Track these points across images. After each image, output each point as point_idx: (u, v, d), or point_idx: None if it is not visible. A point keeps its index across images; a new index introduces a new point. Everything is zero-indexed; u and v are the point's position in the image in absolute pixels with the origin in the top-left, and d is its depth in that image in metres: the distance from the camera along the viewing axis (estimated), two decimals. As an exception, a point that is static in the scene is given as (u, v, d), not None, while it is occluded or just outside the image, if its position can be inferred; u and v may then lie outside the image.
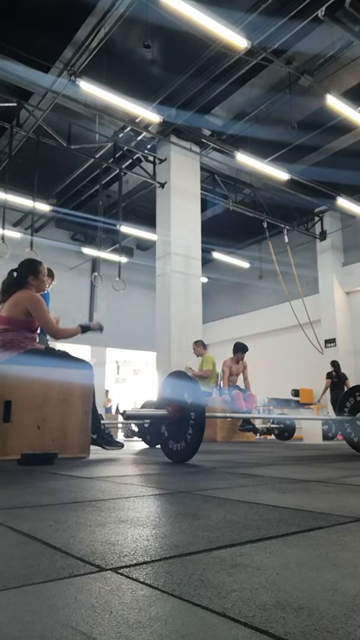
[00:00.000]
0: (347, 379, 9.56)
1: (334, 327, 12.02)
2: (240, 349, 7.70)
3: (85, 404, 3.29)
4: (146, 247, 14.84)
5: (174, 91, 7.83)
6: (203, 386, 6.75)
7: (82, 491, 1.52)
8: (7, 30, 6.85)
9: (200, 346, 7.73)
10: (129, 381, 20.94)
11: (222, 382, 7.77)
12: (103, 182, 9.68)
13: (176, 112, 8.25)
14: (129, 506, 1.22)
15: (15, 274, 3.49)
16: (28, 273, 3.47)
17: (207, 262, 12.70)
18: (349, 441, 3.67)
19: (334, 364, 9.77)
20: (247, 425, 7.31)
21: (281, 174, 9.11)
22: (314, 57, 7.28)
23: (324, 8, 6.03)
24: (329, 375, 9.66)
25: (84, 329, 3.44)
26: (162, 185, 9.10)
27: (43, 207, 10.71)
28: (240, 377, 7.89)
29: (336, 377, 9.58)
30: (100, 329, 3.57)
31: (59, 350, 3.44)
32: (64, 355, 3.37)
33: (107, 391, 15.26)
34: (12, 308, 3.33)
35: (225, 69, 7.29)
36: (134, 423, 6.55)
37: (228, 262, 13.91)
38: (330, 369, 9.72)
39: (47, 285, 3.64)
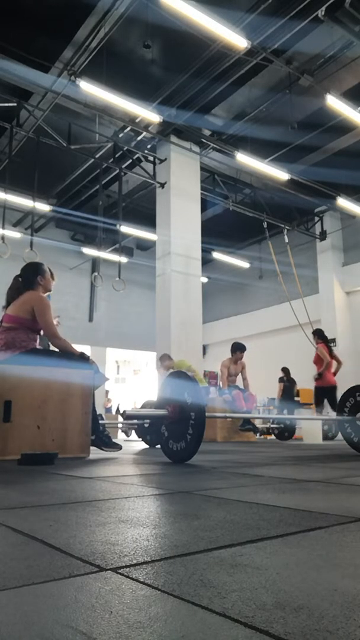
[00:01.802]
0: (295, 383, 10.39)
1: (334, 327, 12.01)
2: (238, 348, 7.68)
3: (85, 404, 3.29)
4: (146, 247, 14.84)
5: (174, 91, 7.83)
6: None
7: (82, 491, 1.52)
8: (7, 30, 6.85)
9: (166, 360, 7.39)
10: (129, 381, 20.94)
11: (221, 382, 7.76)
12: (103, 182, 9.67)
13: (176, 112, 8.25)
14: (129, 506, 1.22)
15: (20, 279, 3.55)
16: (35, 274, 3.56)
17: (207, 262, 12.69)
18: (349, 441, 3.66)
19: (285, 370, 10.53)
20: (247, 425, 7.31)
21: (281, 174, 9.11)
22: (314, 57, 7.28)
23: (324, 8, 6.02)
24: (281, 380, 10.46)
25: (83, 358, 3.42)
26: (162, 185, 9.10)
27: (43, 207, 10.71)
28: (240, 377, 7.89)
29: (287, 382, 10.41)
30: (95, 370, 3.50)
31: (81, 352, 3.45)
32: (81, 359, 3.38)
33: (107, 391, 15.25)
34: (19, 307, 3.38)
35: (225, 69, 7.29)
36: (131, 424, 6.57)
37: (228, 262, 13.90)
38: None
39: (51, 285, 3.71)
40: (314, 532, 0.92)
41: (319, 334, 8.36)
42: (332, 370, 8.14)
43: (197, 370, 7.62)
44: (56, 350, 3.51)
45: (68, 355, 3.38)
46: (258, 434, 8.22)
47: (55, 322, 3.87)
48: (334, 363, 8.25)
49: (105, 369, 15.02)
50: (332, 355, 8.30)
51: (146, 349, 13.93)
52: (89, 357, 3.46)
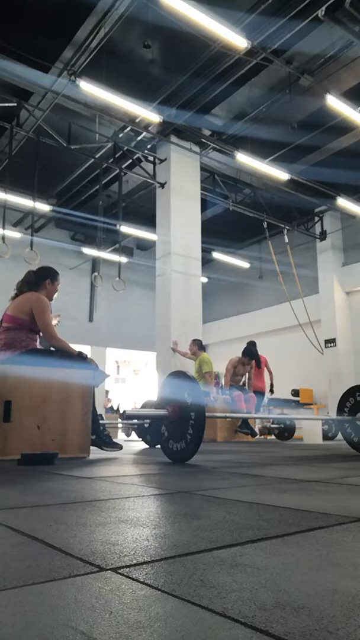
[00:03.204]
0: None
1: (334, 327, 12.01)
2: (248, 354, 7.66)
3: (85, 404, 3.29)
4: (146, 247, 14.83)
5: (174, 91, 7.82)
6: (202, 386, 6.77)
7: (82, 491, 1.52)
8: (7, 30, 6.85)
9: (196, 346, 7.66)
10: (129, 381, 20.94)
11: (223, 380, 7.76)
12: (103, 182, 9.67)
13: (176, 112, 8.25)
14: (129, 506, 1.22)
15: (33, 274, 3.58)
16: (47, 277, 3.62)
17: (207, 262, 12.69)
18: (349, 441, 3.67)
19: None
20: (244, 428, 7.30)
21: (281, 174, 9.11)
22: (314, 57, 7.28)
23: (324, 8, 6.02)
24: None
25: (81, 357, 3.42)
26: (162, 185, 9.10)
27: (43, 207, 10.70)
28: (244, 376, 7.86)
29: None
30: (94, 368, 3.48)
31: (79, 351, 3.46)
32: (79, 359, 3.38)
33: (107, 391, 15.25)
34: (18, 307, 3.38)
35: (225, 69, 7.28)
36: (131, 424, 6.60)
37: (228, 262, 13.89)
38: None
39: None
40: (314, 532, 0.92)
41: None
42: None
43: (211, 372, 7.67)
44: (80, 351, 3.52)
45: (67, 355, 3.38)
46: (258, 435, 8.22)
47: (55, 321, 3.88)
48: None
49: (105, 369, 14.99)
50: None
51: (146, 349, 13.92)
52: (87, 355, 3.47)
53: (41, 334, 3.46)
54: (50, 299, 3.64)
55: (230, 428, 7.46)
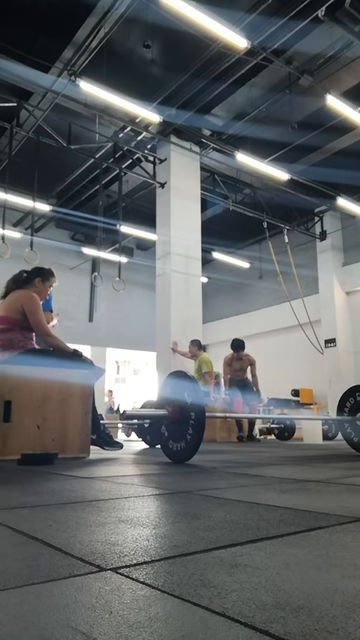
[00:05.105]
0: None
1: (334, 327, 12.01)
2: (235, 346, 7.56)
3: (86, 404, 3.29)
4: (146, 247, 14.83)
5: (174, 91, 7.82)
6: (202, 386, 6.77)
7: (82, 491, 1.52)
8: (7, 30, 6.85)
9: (195, 346, 7.65)
10: (129, 381, 20.92)
11: (222, 380, 7.74)
12: (103, 182, 9.67)
13: (176, 112, 8.25)
14: (129, 506, 1.22)
15: (25, 274, 3.56)
16: (38, 275, 3.58)
17: (207, 262, 12.69)
18: (349, 441, 3.66)
19: None
20: (253, 439, 7.34)
21: (281, 174, 9.11)
22: (314, 57, 7.28)
23: (324, 8, 6.02)
24: None
25: (76, 355, 3.41)
26: (162, 185, 9.10)
27: (43, 207, 10.70)
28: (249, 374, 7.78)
29: None
30: (90, 365, 3.49)
31: (74, 349, 3.45)
32: (75, 357, 3.37)
33: (110, 391, 15.25)
34: (9, 307, 3.35)
35: (225, 69, 7.29)
36: (131, 424, 6.60)
37: (228, 262, 13.90)
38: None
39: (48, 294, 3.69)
40: (314, 532, 0.92)
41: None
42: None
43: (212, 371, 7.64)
44: (75, 349, 3.50)
45: (63, 353, 3.37)
46: (257, 435, 8.21)
47: (55, 321, 3.87)
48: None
49: (105, 369, 14.95)
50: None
51: (146, 349, 13.92)
52: (82, 353, 3.46)
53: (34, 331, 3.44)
54: (42, 298, 3.59)
55: (231, 428, 7.46)
